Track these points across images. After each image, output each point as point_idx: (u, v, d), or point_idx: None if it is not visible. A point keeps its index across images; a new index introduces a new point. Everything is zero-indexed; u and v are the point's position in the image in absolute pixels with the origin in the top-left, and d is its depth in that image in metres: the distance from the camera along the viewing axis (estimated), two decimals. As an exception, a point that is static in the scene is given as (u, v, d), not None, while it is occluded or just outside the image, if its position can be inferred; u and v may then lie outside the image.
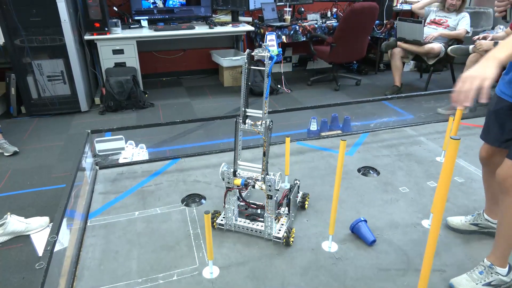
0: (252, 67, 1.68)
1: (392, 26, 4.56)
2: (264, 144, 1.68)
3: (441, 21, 4.00)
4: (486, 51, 3.18)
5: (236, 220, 1.87)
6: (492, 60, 1.13)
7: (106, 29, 3.61)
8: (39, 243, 1.89)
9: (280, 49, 1.64)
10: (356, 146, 2.77)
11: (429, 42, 3.86)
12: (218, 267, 1.66)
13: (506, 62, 1.14)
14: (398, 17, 4.19)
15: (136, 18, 4.08)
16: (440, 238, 1.81)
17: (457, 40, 3.91)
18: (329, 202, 1.94)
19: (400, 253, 1.74)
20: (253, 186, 1.75)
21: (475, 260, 1.68)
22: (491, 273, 1.50)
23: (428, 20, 4.11)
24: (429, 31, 3.95)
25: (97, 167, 2.50)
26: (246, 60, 1.64)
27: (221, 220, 1.89)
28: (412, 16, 4.81)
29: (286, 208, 1.92)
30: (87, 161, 2.29)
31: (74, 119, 3.50)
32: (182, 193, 2.22)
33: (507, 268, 1.51)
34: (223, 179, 1.78)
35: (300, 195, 2.06)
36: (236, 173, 1.77)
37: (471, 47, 3.38)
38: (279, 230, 1.82)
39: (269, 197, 1.72)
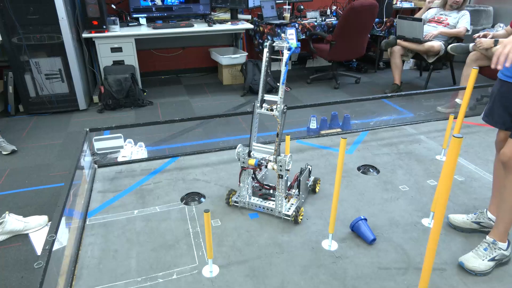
0: (273, 56, 1.81)
1: (392, 24, 4.55)
2: (278, 126, 1.78)
3: (441, 19, 3.99)
4: (486, 49, 3.17)
5: (250, 198, 2.01)
6: None
7: (104, 27, 3.59)
8: (38, 242, 1.88)
9: (299, 42, 1.86)
10: (356, 145, 2.77)
11: (429, 40, 3.85)
12: (218, 266, 1.65)
13: None
14: (398, 15, 4.18)
15: (135, 16, 4.06)
16: (440, 236, 1.80)
17: (457, 38, 3.90)
18: (329, 200, 1.93)
19: (400, 252, 1.73)
20: (266, 166, 1.85)
21: (476, 258, 1.68)
22: (495, 248, 1.61)
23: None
24: (429, 29, 3.94)
25: (96, 166, 2.49)
26: (268, 50, 1.77)
27: (236, 198, 2.03)
28: (412, 14, 4.80)
29: (297, 190, 2.01)
30: (86, 159, 2.28)
31: (72, 118, 3.49)
32: (181, 192, 2.21)
33: (507, 243, 1.63)
34: (238, 159, 1.90)
35: (311, 179, 2.15)
36: (251, 153, 1.89)
37: (471, 45, 3.38)
38: (289, 208, 1.93)
39: (280, 176, 1.83)
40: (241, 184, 1.97)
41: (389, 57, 4.18)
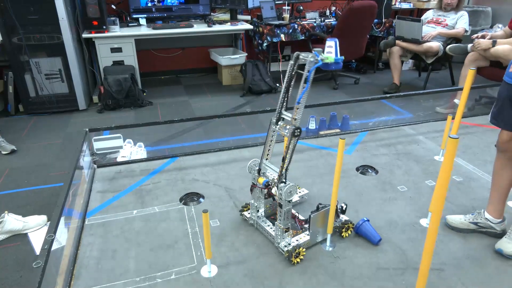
0: (299, 71, 1.61)
1: (391, 25, 4.56)
2: (284, 149, 1.61)
3: (440, 20, 4.00)
4: (485, 50, 3.18)
5: (260, 218, 1.87)
6: None
7: (104, 27, 3.60)
8: (37, 242, 1.88)
9: (342, 57, 1.58)
10: (355, 145, 2.77)
11: (427, 41, 3.86)
12: (216, 266, 1.66)
13: None
14: (396, 16, 4.19)
15: (135, 16, 4.06)
16: (438, 237, 1.81)
17: (455, 39, 3.91)
18: (328, 200, 1.93)
19: (398, 252, 1.74)
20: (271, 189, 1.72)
21: (474, 258, 1.69)
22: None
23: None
24: (428, 30, 3.95)
25: (95, 166, 2.49)
26: (292, 62, 1.59)
27: (248, 213, 1.93)
28: (411, 15, 4.81)
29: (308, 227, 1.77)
30: (85, 159, 2.28)
31: (72, 118, 3.49)
32: (180, 192, 2.21)
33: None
34: (250, 172, 1.80)
35: (341, 219, 1.86)
36: (261, 172, 1.75)
37: (469, 46, 3.38)
38: (289, 244, 1.71)
39: (280, 205, 1.64)
40: (251, 201, 1.86)
41: (388, 57, 4.19)
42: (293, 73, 1.61)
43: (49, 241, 1.37)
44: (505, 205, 1.77)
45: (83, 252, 1.75)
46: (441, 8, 4.02)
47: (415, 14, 5.20)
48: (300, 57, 1.58)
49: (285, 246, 1.70)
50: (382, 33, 4.58)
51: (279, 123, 1.67)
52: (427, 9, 4.43)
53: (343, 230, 1.82)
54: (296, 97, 1.58)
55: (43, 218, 2.02)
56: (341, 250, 1.75)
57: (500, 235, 1.77)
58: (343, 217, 1.88)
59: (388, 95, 3.36)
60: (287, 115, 1.66)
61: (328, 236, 1.76)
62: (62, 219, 1.57)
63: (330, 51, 1.54)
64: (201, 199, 2.16)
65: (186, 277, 1.60)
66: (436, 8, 4.09)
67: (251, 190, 1.83)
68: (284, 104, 1.66)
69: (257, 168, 1.75)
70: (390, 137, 2.89)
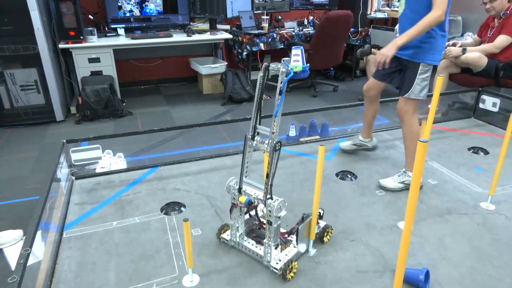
0: (270, 82, 1.64)
1: (367, 34, 4.69)
2: (268, 165, 1.55)
3: (413, 28, 4.14)
4: (455, 57, 3.31)
5: (241, 238, 1.77)
6: (393, 44, 1.97)
7: (82, 37, 3.56)
8: (12, 257, 1.83)
9: (308, 65, 1.53)
10: (334, 151, 2.82)
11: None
12: (198, 275, 1.65)
13: (403, 45, 1.98)
14: (371, 25, 4.31)
15: (113, 26, 4.04)
16: (415, 239, 1.87)
17: (428, 47, 4.04)
18: (308, 207, 1.97)
19: (377, 255, 1.77)
20: (256, 207, 1.67)
21: (449, 259, 1.74)
22: (405, 176, 2.27)
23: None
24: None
25: (73, 178, 2.45)
26: (262, 74, 1.55)
27: (228, 235, 1.82)
28: (386, 24, 4.96)
29: (295, 239, 1.73)
30: (63, 171, 2.24)
31: (49, 129, 3.42)
32: (161, 202, 2.20)
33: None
34: (228, 192, 1.71)
35: (320, 226, 1.85)
36: (242, 190, 1.68)
37: (441, 53, 3.51)
38: (279, 260, 1.66)
39: (269, 223, 1.59)
40: (231, 221, 1.74)
41: (365, 65, 4.30)
42: (264, 85, 1.58)
43: (24, 255, 1.34)
44: (371, 129, 2.65)
45: (61, 266, 1.71)
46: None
47: (390, 23, 5.37)
48: (270, 68, 1.56)
49: (277, 263, 1.65)
50: (358, 41, 4.70)
51: (256, 138, 1.62)
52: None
53: (324, 235, 1.84)
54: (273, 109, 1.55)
55: (18, 232, 1.97)
56: (322, 256, 1.77)
57: (371, 149, 2.69)
58: (322, 223, 1.87)
59: (363, 102, 3.43)
60: (263, 129, 1.62)
61: (311, 242, 1.78)
62: (39, 233, 1.54)
63: (297, 59, 1.52)
64: (182, 209, 2.15)
65: (168, 288, 1.59)
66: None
67: (231, 211, 1.72)
68: (258, 118, 1.62)
69: (237, 187, 1.67)
70: (368, 143, 2.95)
